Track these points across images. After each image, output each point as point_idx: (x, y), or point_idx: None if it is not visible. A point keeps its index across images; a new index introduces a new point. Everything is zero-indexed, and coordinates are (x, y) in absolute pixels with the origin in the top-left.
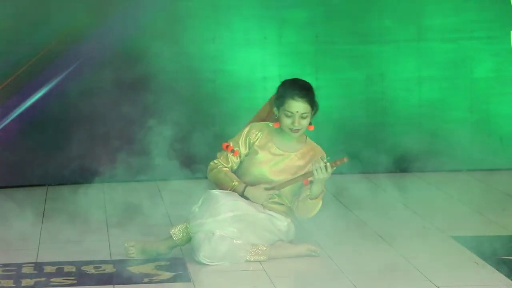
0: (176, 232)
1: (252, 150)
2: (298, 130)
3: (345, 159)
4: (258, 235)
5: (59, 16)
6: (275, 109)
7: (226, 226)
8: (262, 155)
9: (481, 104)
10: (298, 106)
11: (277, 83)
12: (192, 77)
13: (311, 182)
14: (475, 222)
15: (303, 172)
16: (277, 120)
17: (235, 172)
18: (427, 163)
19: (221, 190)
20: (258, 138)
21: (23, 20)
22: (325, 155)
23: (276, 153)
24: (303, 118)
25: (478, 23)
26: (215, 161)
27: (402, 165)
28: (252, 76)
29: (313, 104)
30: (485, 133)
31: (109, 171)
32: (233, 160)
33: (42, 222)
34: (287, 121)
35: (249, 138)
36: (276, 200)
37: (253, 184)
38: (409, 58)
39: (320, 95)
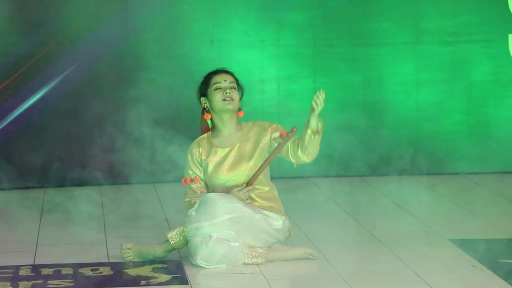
0: (173, 236)
1: (204, 167)
2: (232, 98)
3: (295, 128)
4: (255, 237)
5: (57, 18)
6: (203, 100)
7: (223, 229)
8: (212, 165)
9: (479, 107)
10: (223, 76)
11: (274, 86)
12: (190, 79)
13: (289, 133)
14: (473, 225)
15: (254, 160)
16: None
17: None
18: (424, 166)
19: (218, 193)
20: (201, 154)
21: (21, 22)
22: (267, 122)
23: (223, 153)
24: (233, 88)
25: (476, 26)
26: (186, 199)
27: (399, 168)
28: (250, 79)
29: (237, 80)
30: (483, 136)
31: (106, 173)
32: (198, 186)
33: (39, 224)
34: (218, 96)
35: (195, 159)
36: (256, 192)
37: (228, 190)
38: (407, 61)
39: None
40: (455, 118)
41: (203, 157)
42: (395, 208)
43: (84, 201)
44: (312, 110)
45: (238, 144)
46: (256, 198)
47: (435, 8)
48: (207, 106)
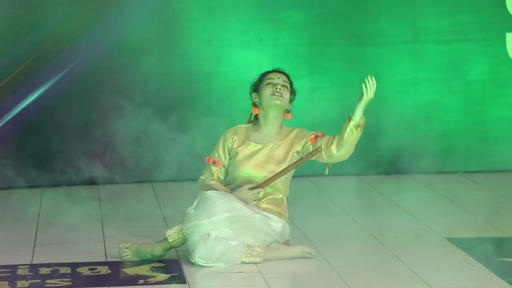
0: (172, 234)
1: (232, 154)
2: (281, 95)
3: (320, 149)
4: (254, 236)
5: (54, 18)
6: (254, 94)
7: (221, 227)
8: (241, 155)
9: (477, 106)
10: (278, 74)
11: None
12: (188, 78)
13: (317, 138)
14: (471, 224)
15: (285, 166)
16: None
17: (225, 181)
18: (422, 165)
19: (217, 191)
20: (235, 141)
21: (18, 21)
22: (307, 131)
23: (255, 149)
24: (285, 87)
25: (473, 25)
26: (202, 177)
27: (397, 167)
28: (248, 78)
29: (291, 83)
30: (481, 135)
31: (104, 172)
32: (217, 171)
33: (37, 224)
34: (268, 90)
35: (227, 144)
36: (270, 196)
37: (243, 184)
38: (405, 60)
39: (315, 97)
40: (452, 117)
41: (235, 145)
42: (392, 206)
43: (82, 200)
44: (361, 98)
45: (271, 144)
46: (265, 203)
47: (432, 7)
48: (256, 101)
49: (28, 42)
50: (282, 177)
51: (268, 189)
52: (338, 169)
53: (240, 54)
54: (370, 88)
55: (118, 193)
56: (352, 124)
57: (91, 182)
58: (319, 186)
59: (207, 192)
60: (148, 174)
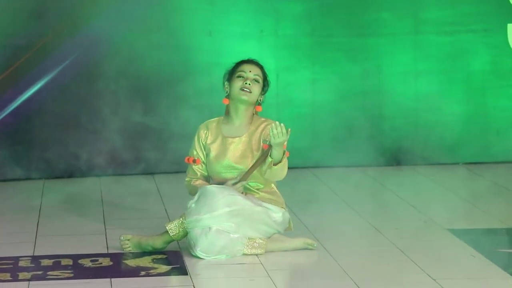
0: (172, 228)
1: (207, 150)
2: (250, 90)
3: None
4: (255, 228)
5: (55, 9)
6: (226, 84)
7: (223, 222)
8: (215, 152)
9: (478, 97)
10: (250, 66)
11: (273, 76)
12: (189, 70)
13: (270, 146)
14: (472, 215)
15: (259, 154)
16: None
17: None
18: (423, 156)
19: (218, 185)
20: (207, 137)
21: (20, 13)
22: (277, 123)
23: (227, 143)
24: (255, 81)
25: (474, 16)
26: (186, 179)
27: (398, 158)
28: None
29: (265, 74)
30: (482, 126)
31: (106, 163)
32: (199, 168)
33: (38, 216)
34: (238, 83)
35: (201, 140)
36: (257, 187)
37: (224, 181)
38: (406, 51)
39: (316, 88)
40: (454, 108)
41: (208, 141)
42: (394, 198)
43: (84, 192)
44: (270, 148)
45: (244, 138)
46: (256, 190)
47: None
48: (227, 91)
49: (29, 34)
50: (259, 168)
51: (251, 183)
52: (339, 161)
53: (241, 45)
54: (277, 134)
55: (120, 185)
56: (276, 167)
57: (92, 174)
58: (321, 178)
59: (208, 186)
60: (149, 166)
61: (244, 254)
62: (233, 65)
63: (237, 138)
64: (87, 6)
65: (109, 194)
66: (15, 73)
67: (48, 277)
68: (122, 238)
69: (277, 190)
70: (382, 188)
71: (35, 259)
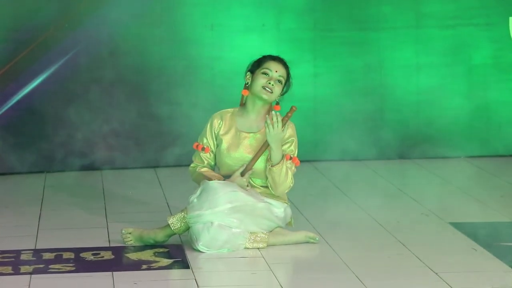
0: (174, 222)
1: (218, 141)
2: (272, 91)
3: (294, 108)
4: (257, 223)
5: (57, 3)
6: (248, 74)
7: (224, 217)
8: (226, 144)
9: (480, 91)
10: (277, 66)
11: None
12: (190, 64)
13: (289, 113)
14: (474, 209)
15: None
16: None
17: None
18: (425, 150)
19: (220, 181)
20: (220, 127)
21: (21, 7)
22: (273, 112)
23: (241, 137)
24: (278, 82)
25: (477, 9)
26: (192, 164)
27: (400, 152)
28: None
29: (289, 75)
30: (484, 120)
31: (107, 157)
32: (207, 157)
33: (40, 209)
34: (262, 80)
35: (213, 129)
36: (261, 185)
37: (231, 173)
38: (408, 45)
39: (318, 82)
40: (455, 102)
41: (221, 132)
42: (395, 191)
43: (85, 185)
44: (266, 143)
45: (258, 135)
46: (258, 186)
47: None
48: (248, 82)
49: (31, 28)
50: (260, 165)
51: (256, 181)
52: (341, 154)
53: (242, 39)
54: (275, 123)
55: (121, 178)
56: (274, 168)
57: (94, 167)
58: (322, 171)
59: (210, 182)
60: (151, 159)
61: (246, 248)
62: (259, 57)
63: (251, 134)
64: (89, 0)
65: (111, 187)
66: (17, 67)
67: (49, 270)
68: (123, 231)
69: None
70: (384, 181)
71: (37, 252)
